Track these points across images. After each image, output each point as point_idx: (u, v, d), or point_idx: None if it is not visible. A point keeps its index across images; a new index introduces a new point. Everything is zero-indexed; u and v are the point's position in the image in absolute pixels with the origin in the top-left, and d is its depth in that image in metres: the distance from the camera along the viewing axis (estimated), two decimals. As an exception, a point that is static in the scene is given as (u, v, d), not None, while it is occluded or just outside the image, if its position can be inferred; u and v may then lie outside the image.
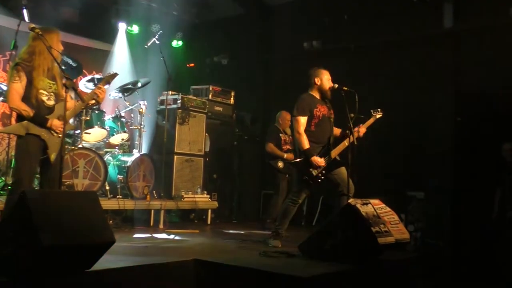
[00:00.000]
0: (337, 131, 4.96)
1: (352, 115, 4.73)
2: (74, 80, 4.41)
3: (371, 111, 5.01)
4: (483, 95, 6.21)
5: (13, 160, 4.87)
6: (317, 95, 4.89)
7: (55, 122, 3.99)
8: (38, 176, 4.31)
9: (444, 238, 6.24)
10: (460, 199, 6.26)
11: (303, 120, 4.74)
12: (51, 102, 4.05)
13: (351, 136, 4.63)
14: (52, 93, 4.06)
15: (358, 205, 3.85)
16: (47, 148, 3.98)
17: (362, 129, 4.88)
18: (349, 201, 3.99)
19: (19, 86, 3.89)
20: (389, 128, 6.62)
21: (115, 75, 4.83)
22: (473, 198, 6.07)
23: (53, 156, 4.00)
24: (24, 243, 2.73)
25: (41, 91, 3.97)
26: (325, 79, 4.87)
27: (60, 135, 4.01)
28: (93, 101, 4.35)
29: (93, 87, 6.28)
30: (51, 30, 4.11)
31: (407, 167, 6.65)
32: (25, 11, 5.44)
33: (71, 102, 4.24)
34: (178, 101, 7.13)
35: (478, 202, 5.98)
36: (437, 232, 6.25)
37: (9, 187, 5.12)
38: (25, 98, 3.92)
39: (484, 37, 6.40)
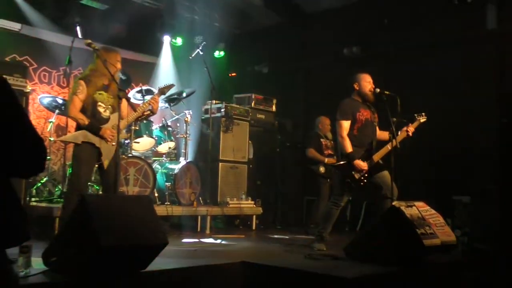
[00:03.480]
0: (384, 134, 4.94)
1: (394, 119, 4.77)
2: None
3: (415, 115, 5.02)
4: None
5: (69, 168, 5.19)
6: (359, 99, 4.95)
7: (107, 131, 4.30)
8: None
9: (492, 243, 6.12)
10: (507, 202, 6.13)
11: (346, 124, 4.80)
12: (107, 114, 4.40)
13: (393, 140, 4.66)
14: (109, 106, 4.41)
15: (402, 207, 3.88)
16: (101, 155, 4.28)
17: (410, 129, 4.90)
18: (394, 203, 4.02)
19: (78, 98, 4.27)
20: (433, 131, 6.58)
21: (171, 86, 5.11)
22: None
23: (106, 163, 4.30)
24: (84, 245, 2.93)
25: (99, 103, 4.34)
26: (363, 83, 4.91)
27: (114, 143, 4.30)
28: (148, 112, 4.65)
29: (141, 98, 6.59)
30: (111, 49, 4.51)
31: (452, 171, 6.57)
32: (78, 28, 5.76)
33: (125, 112, 4.52)
34: (222, 110, 7.32)
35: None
36: (485, 236, 6.13)
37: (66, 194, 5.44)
38: (84, 109, 4.30)
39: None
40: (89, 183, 5.78)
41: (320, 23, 8.56)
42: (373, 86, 4.92)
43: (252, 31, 9.19)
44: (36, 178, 6.13)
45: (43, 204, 5.53)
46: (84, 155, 4.24)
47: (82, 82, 4.30)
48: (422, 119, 5.02)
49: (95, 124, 4.28)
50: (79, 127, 4.30)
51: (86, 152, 4.24)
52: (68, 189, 4.39)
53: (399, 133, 4.87)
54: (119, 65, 4.46)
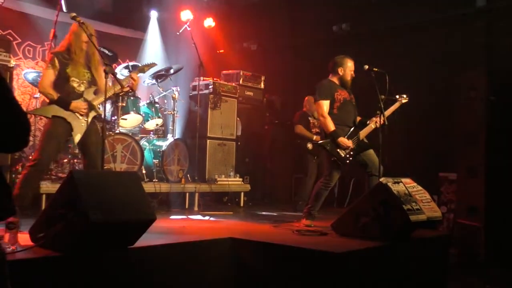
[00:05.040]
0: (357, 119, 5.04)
1: (383, 96, 4.81)
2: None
3: (397, 96, 5.05)
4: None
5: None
6: (336, 81, 4.99)
7: (77, 104, 4.21)
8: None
9: (477, 219, 6.21)
10: (493, 179, 6.21)
11: (326, 103, 4.84)
12: (81, 88, 4.32)
13: (382, 117, 4.72)
14: (85, 81, 4.33)
15: (389, 184, 3.91)
16: (72, 130, 4.21)
17: (394, 107, 4.98)
18: (381, 179, 4.05)
19: (51, 72, 4.20)
20: (421, 109, 6.61)
21: (152, 65, 5.02)
22: (506, 178, 6.01)
23: (77, 138, 4.24)
24: (73, 220, 2.90)
25: (73, 78, 4.26)
26: (348, 69, 4.96)
27: (86, 118, 4.26)
28: (127, 88, 4.55)
29: (128, 74, 6.51)
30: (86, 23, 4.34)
31: (439, 149, 6.63)
32: (63, 2, 5.63)
33: (102, 87, 4.40)
34: (210, 87, 7.27)
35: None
36: (470, 213, 6.23)
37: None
38: (57, 84, 4.22)
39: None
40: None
41: (310, -1, 8.48)
42: (353, 74, 4.97)
43: (241, 7, 9.06)
44: (22, 155, 6.06)
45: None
46: (54, 129, 4.16)
47: (54, 56, 4.23)
48: (404, 100, 5.06)
49: (65, 98, 4.20)
50: (50, 101, 4.24)
51: (57, 127, 4.16)
52: (31, 161, 4.13)
53: (368, 122, 4.92)
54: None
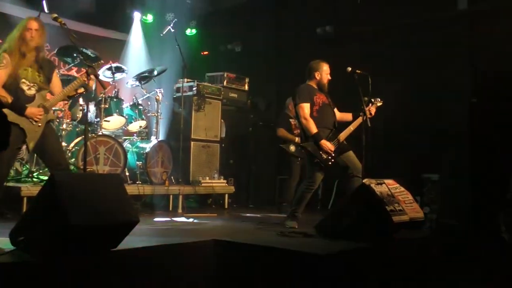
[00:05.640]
0: (347, 115, 5.10)
1: (366, 98, 4.88)
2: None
3: (372, 99, 5.11)
4: (499, 76, 6.20)
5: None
6: (314, 86, 5.06)
7: (32, 110, 3.96)
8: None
9: (460, 219, 6.28)
10: (476, 180, 6.29)
11: (306, 106, 4.89)
12: (31, 92, 4.05)
13: (365, 118, 4.79)
14: (35, 84, 4.07)
15: (372, 185, 3.93)
16: (26, 136, 3.96)
17: (372, 109, 5.02)
18: (364, 181, 4.08)
19: (2, 73, 3.89)
20: (403, 110, 6.67)
21: (100, 62, 4.96)
22: (489, 179, 6.09)
23: (31, 144, 3.99)
24: (53, 224, 2.87)
25: (23, 80, 3.99)
26: (324, 73, 5.03)
27: (40, 124, 4.03)
28: (82, 89, 4.29)
29: (111, 76, 6.47)
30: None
31: (422, 149, 6.69)
32: (44, 2, 5.58)
33: (58, 90, 4.27)
34: (194, 88, 7.24)
35: (494, 183, 6.00)
36: (453, 213, 6.30)
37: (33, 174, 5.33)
38: (6, 85, 3.92)
39: (499, 18, 6.38)
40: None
41: (294, 1, 8.51)
42: (329, 77, 5.03)
43: (225, 9, 9.06)
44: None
45: (10, 184, 5.38)
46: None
47: (6, 55, 3.90)
48: (379, 103, 5.13)
49: (19, 103, 3.91)
50: (2, 105, 3.89)
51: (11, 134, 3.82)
52: None
53: (359, 115, 4.98)
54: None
